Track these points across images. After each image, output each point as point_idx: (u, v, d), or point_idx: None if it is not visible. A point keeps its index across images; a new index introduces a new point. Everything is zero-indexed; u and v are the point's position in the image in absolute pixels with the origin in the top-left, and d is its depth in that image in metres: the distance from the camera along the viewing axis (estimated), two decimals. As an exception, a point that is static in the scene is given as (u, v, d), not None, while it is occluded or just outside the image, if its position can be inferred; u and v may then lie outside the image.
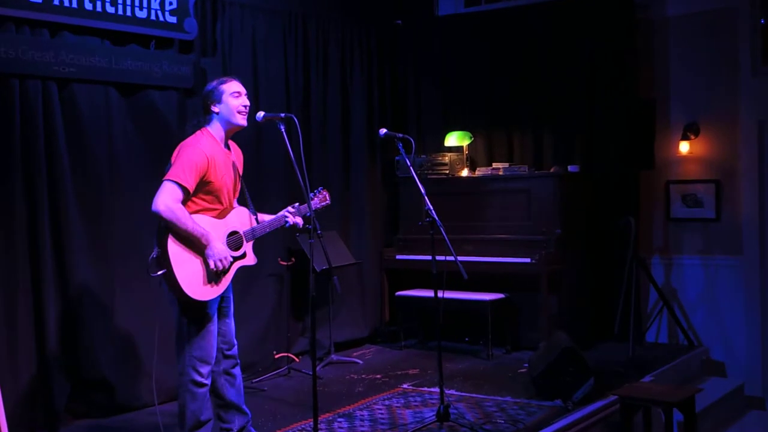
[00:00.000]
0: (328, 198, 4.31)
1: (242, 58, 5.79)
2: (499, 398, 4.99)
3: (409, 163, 4.40)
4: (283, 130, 3.88)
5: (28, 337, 4.60)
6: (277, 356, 5.87)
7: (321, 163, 6.51)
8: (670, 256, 6.73)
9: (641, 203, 6.68)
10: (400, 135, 4.44)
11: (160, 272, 3.67)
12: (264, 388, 5.44)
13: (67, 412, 4.73)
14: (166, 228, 3.65)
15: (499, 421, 4.52)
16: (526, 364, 5.53)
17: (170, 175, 3.67)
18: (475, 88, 7.07)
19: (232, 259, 3.81)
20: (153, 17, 5.14)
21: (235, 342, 4.15)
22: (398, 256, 6.84)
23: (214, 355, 3.91)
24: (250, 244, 3.94)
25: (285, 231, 5.99)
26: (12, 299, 4.54)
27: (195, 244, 3.70)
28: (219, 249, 3.74)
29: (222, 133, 3.92)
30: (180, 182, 3.65)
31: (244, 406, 4.13)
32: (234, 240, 3.88)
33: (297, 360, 5.93)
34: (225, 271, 3.80)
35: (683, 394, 4.69)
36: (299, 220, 4.05)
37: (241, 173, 4.01)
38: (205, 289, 3.75)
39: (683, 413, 4.69)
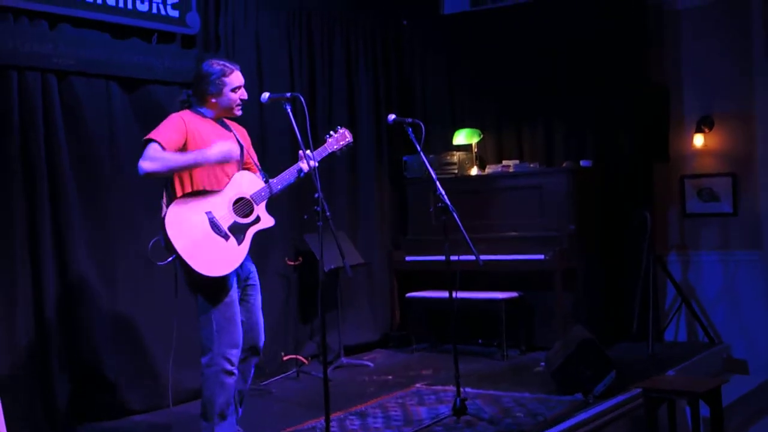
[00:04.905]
0: (348, 136, 4.03)
1: (246, 54, 5.67)
2: (517, 394, 4.81)
3: (419, 148, 4.26)
4: (289, 110, 3.75)
5: (28, 336, 4.45)
6: (285, 358, 5.70)
7: (327, 165, 6.35)
8: (687, 253, 6.56)
9: (656, 200, 6.53)
10: (410, 120, 4.31)
11: (168, 260, 3.61)
12: (272, 390, 5.26)
13: (68, 414, 4.55)
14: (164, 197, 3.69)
15: (518, 414, 4.34)
16: (543, 363, 5.35)
17: (149, 135, 3.66)
18: (482, 86, 6.96)
19: (240, 150, 3.75)
20: (155, 11, 5.04)
21: (263, 337, 4.02)
22: (408, 258, 6.67)
23: (242, 340, 3.81)
24: (262, 206, 3.81)
25: (291, 231, 5.92)
26: (11, 296, 4.40)
27: (199, 206, 3.65)
28: (218, 148, 3.65)
29: (213, 115, 3.88)
30: (156, 138, 3.62)
31: (238, 406, 4.01)
32: (241, 206, 3.76)
33: (306, 362, 5.76)
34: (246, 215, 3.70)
35: (709, 385, 4.51)
36: (313, 163, 3.76)
37: (246, 148, 3.94)
38: (217, 265, 3.64)
39: (709, 405, 4.50)
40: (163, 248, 3.62)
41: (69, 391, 4.57)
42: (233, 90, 3.81)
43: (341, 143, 4.02)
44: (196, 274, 3.61)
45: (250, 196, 3.78)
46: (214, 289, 3.71)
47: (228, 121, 3.97)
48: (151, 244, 3.71)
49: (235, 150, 3.73)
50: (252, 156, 4.03)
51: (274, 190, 3.84)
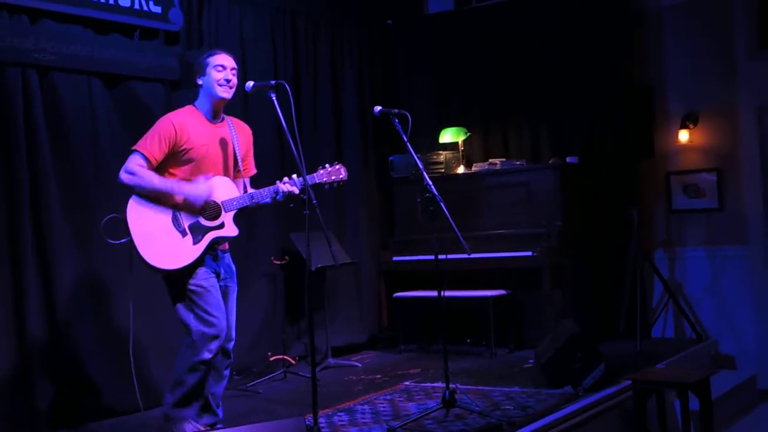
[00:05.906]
0: (343, 172, 3.96)
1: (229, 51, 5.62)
2: (507, 389, 4.77)
3: (405, 140, 4.22)
4: (274, 98, 3.73)
5: (7, 338, 4.36)
6: (272, 359, 5.63)
7: (312, 164, 6.30)
8: (674, 249, 6.56)
9: (642, 196, 6.52)
10: (396, 111, 4.27)
11: (122, 240, 3.67)
12: (259, 390, 5.19)
13: (50, 416, 4.45)
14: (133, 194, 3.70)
15: (507, 407, 4.29)
16: (532, 360, 5.31)
17: (135, 145, 3.73)
18: (467, 85, 6.95)
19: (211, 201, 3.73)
20: (137, 6, 5.00)
21: (234, 337, 3.99)
22: (395, 258, 6.63)
23: (225, 327, 3.76)
24: (230, 214, 3.81)
25: (278, 230, 5.87)
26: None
27: (165, 201, 3.68)
28: (190, 189, 3.67)
29: (208, 106, 3.88)
30: (141, 150, 3.69)
31: (216, 408, 3.93)
32: (209, 209, 3.76)
33: (293, 362, 5.69)
34: (204, 231, 3.67)
35: (698, 376, 4.49)
36: (294, 189, 3.80)
37: (241, 151, 3.91)
38: (165, 258, 3.64)
39: (699, 396, 4.49)
40: (121, 227, 3.68)
41: (52, 394, 4.48)
42: (216, 68, 3.81)
43: (333, 178, 3.94)
44: (144, 263, 3.64)
45: (221, 202, 3.77)
46: (172, 279, 3.73)
47: (234, 121, 3.96)
48: (105, 220, 3.77)
49: (201, 199, 3.70)
50: (248, 160, 4.01)
51: (248, 203, 3.81)
